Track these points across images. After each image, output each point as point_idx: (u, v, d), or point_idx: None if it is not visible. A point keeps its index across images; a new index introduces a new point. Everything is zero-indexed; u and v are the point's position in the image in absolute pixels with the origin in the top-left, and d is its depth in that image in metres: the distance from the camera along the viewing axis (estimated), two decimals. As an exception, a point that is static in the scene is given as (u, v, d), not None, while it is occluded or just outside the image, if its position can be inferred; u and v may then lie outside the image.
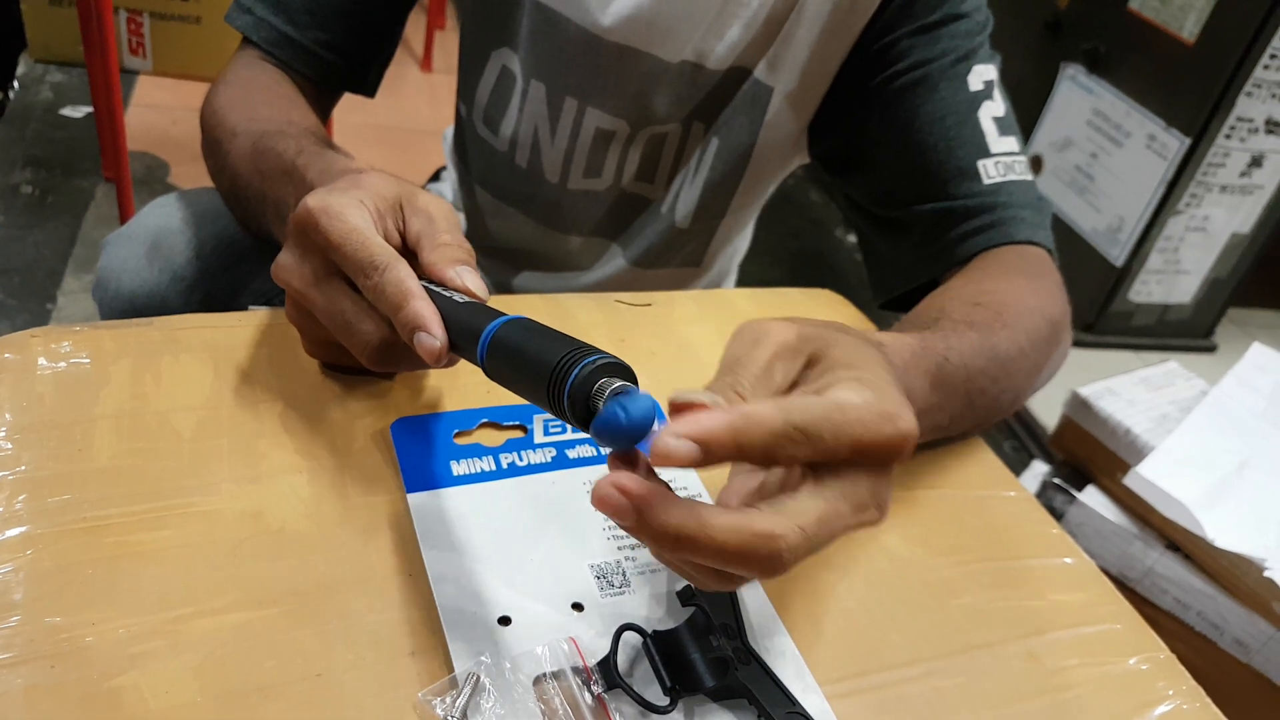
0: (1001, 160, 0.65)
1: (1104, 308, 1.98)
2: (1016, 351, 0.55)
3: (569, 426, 0.48)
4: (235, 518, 0.41)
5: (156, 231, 0.69)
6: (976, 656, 0.44)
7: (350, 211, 0.43)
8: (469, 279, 0.42)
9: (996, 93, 0.66)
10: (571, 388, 0.33)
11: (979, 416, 0.54)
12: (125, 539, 0.39)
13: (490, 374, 0.38)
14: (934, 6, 0.65)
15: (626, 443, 0.32)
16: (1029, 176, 0.66)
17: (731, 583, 0.34)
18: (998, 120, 0.66)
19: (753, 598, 0.43)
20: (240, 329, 0.51)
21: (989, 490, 0.54)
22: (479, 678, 0.36)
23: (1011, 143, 0.66)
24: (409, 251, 0.45)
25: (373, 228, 0.43)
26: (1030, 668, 0.44)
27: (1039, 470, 1.08)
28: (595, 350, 0.34)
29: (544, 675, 0.37)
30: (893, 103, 0.67)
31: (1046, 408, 1.25)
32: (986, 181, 0.64)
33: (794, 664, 0.40)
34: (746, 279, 0.91)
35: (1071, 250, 1.97)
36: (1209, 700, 0.45)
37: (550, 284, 0.85)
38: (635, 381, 0.34)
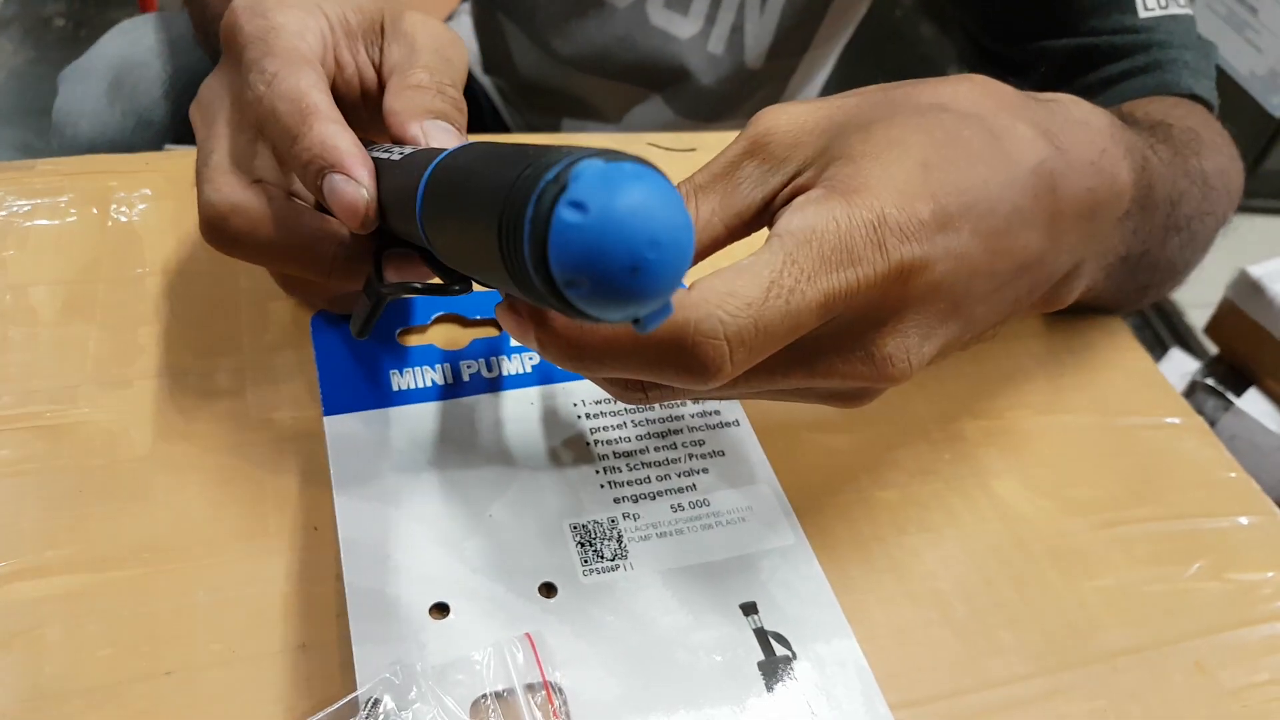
0: None
1: (1256, 165, 1.74)
2: (1217, 179, 0.40)
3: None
4: (90, 436, 0.30)
5: (119, 64, 0.61)
6: (1122, 667, 0.31)
7: (284, 13, 0.28)
8: (439, 140, 0.27)
9: None
10: (532, 218, 0.17)
11: (1170, 261, 0.40)
12: (-76, 467, 0.29)
13: (433, 248, 0.24)
14: None
15: (625, 300, 0.17)
16: (1190, 10, 0.49)
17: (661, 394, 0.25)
18: None
19: (804, 579, 0.30)
20: (146, 174, 0.39)
21: (1144, 416, 0.40)
22: (382, 702, 0.25)
23: None
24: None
25: (306, 35, 0.28)
26: (1199, 683, 0.31)
27: (1183, 367, 0.90)
28: (574, 149, 0.18)
29: (484, 696, 0.26)
30: None
31: (1185, 285, 1.07)
32: (1143, 15, 0.47)
33: (859, 678, 0.28)
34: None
35: (1222, 98, 1.71)
36: None
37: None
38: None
